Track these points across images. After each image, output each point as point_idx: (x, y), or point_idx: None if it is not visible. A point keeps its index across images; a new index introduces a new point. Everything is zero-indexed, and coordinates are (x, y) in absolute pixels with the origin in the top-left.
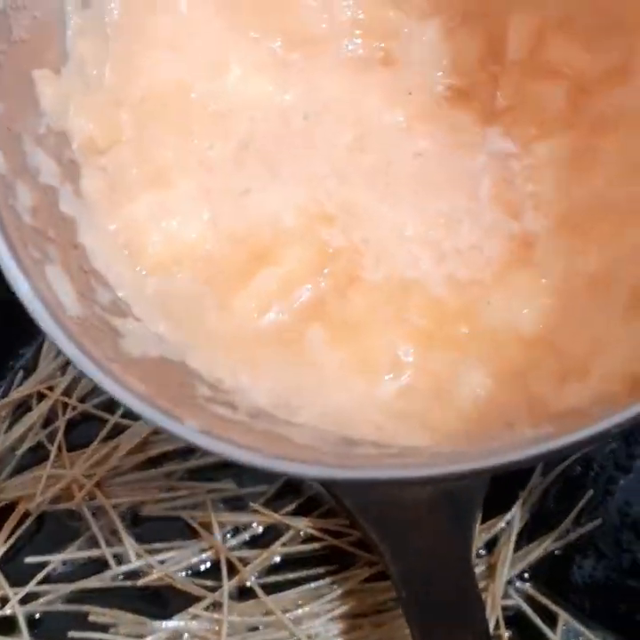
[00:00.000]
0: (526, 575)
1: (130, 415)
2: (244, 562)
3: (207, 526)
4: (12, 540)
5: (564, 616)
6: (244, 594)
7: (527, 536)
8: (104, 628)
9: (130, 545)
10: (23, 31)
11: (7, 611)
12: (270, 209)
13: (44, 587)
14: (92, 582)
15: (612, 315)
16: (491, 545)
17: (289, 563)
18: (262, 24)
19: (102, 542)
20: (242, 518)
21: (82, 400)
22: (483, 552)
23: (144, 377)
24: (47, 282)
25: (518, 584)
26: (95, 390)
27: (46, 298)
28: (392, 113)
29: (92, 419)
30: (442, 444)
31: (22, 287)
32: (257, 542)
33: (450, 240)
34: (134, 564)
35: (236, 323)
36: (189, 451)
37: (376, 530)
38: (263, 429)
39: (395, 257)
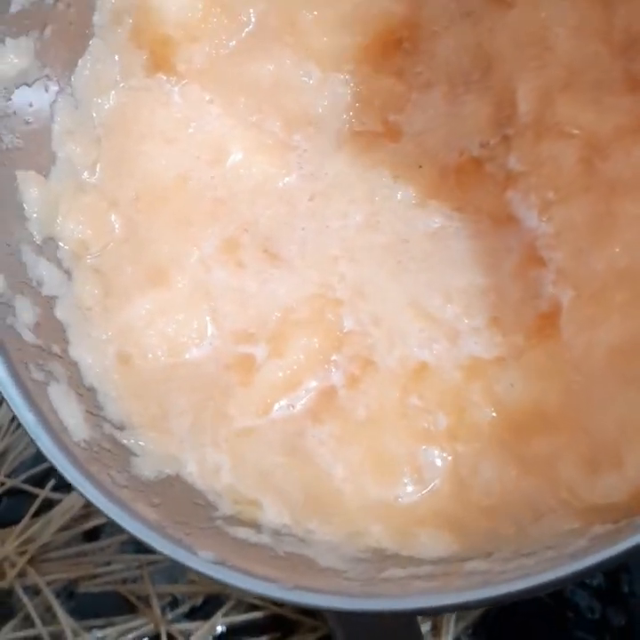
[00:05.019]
0: (471, 631)
1: (61, 489)
2: (186, 634)
3: (146, 599)
4: None
5: None
6: None
7: None
8: None
9: (66, 623)
10: (16, 137)
11: None
12: (275, 299)
13: None
14: None
15: None
16: None
17: (232, 632)
18: (260, 108)
19: (38, 621)
20: (181, 589)
21: (9, 475)
22: None
23: (156, 502)
24: (51, 406)
25: None
26: (23, 465)
27: (51, 425)
28: (404, 189)
29: (22, 494)
30: (468, 547)
31: (26, 416)
32: (198, 613)
33: (467, 318)
34: None
35: (238, 425)
36: None
37: None
38: (287, 552)
39: (408, 338)
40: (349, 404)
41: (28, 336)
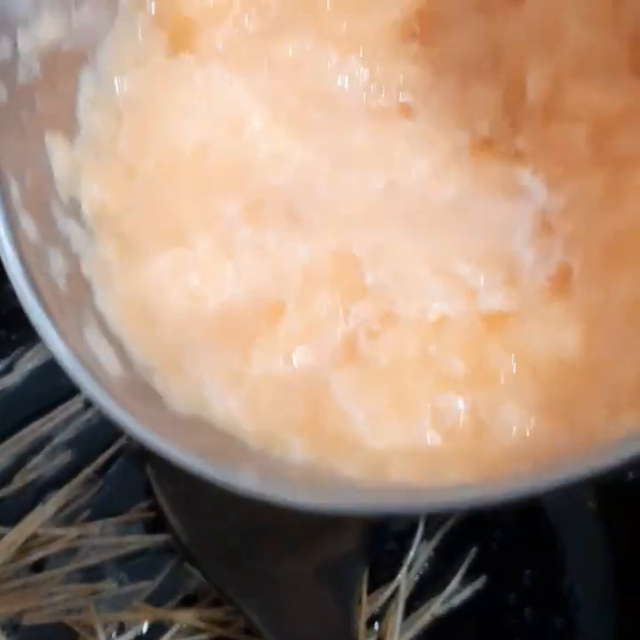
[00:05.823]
0: None
1: (5, 522)
2: None
3: (91, 628)
4: None
5: None
6: None
7: (418, 601)
8: None
9: None
10: (45, 104)
11: None
12: (296, 257)
13: None
14: None
15: None
16: (381, 615)
17: None
18: (279, 84)
19: None
20: (125, 617)
21: None
22: (373, 623)
23: (192, 434)
24: (86, 344)
25: None
26: None
27: (86, 360)
28: (420, 161)
29: None
30: (490, 482)
31: (61, 350)
32: None
33: (484, 276)
34: None
35: (259, 370)
36: (70, 552)
37: (258, 616)
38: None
39: (427, 293)
40: (370, 353)
41: (62, 284)
